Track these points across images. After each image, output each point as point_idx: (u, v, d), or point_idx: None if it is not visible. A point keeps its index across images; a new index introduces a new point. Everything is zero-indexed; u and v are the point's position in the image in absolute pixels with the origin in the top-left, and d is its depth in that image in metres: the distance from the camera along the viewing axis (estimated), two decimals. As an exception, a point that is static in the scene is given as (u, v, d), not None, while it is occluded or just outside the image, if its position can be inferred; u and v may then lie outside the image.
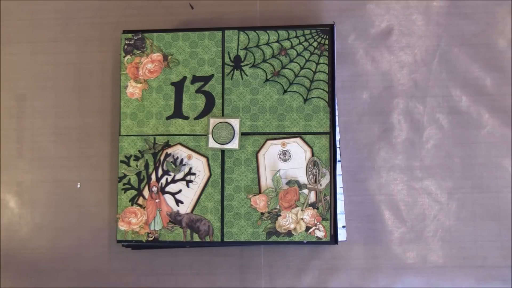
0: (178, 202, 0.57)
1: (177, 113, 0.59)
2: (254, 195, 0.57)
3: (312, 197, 0.57)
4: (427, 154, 0.62)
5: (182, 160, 0.58)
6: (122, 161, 0.58)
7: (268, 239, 0.56)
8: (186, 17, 0.64)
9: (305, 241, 0.56)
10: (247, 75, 0.58)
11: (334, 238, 0.56)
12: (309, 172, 0.57)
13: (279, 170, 0.57)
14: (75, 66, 0.64)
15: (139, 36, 0.60)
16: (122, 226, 0.57)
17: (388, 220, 0.61)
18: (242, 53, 0.59)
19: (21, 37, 0.65)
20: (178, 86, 0.59)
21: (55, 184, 0.62)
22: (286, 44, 0.58)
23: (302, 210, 0.56)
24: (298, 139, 0.57)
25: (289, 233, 0.56)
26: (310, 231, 0.56)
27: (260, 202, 0.57)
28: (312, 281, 0.61)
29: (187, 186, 0.58)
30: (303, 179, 0.57)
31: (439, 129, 0.62)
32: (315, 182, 0.57)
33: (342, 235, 0.58)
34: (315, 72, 0.58)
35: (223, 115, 0.58)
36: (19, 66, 0.64)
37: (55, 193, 0.61)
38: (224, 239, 0.57)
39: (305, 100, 0.58)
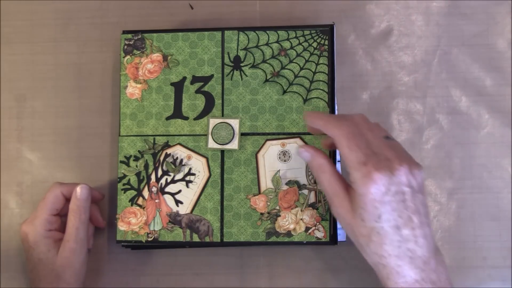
0: (177, 202, 0.58)
1: (177, 113, 0.59)
2: (254, 196, 0.57)
3: (312, 198, 0.57)
4: (427, 155, 0.62)
5: (181, 160, 0.58)
6: (122, 162, 0.58)
7: (268, 240, 0.56)
8: (186, 17, 0.64)
9: (304, 242, 0.56)
10: (246, 76, 0.58)
11: (333, 239, 0.56)
12: (309, 173, 0.57)
13: (279, 170, 0.57)
14: (75, 66, 0.64)
15: (139, 36, 0.60)
16: (122, 227, 0.57)
17: (388, 220, 0.61)
18: (241, 54, 0.59)
19: (21, 37, 0.65)
20: (178, 87, 0.59)
21: (55, 184, 0.62)
22: (286, 44, 0.58)
23: (301, 211, 0.56)
24: (298, 140, 0.58)
25: (288, 233, 0.56)
26: (309, 231, 0.56)
27: (259, 203, 0.57)
28: (312, 281, 0.61)
29: (187, 186, 0.58)
30: (302, 179, 0.57)
31: (439, 129, 0.62)
32: (315, 182, 0.57)
33: (341, 235, 0.58)
34: (314, 73, 0.58)
35: (222, 115, 0.58)
36: (19, 66, 0.64)
37: (55, 193, 0.60)
38: (223, 240, 0.57)
39: (305, 100, 0.58)
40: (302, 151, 0.52)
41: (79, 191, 0.56)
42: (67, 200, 0.57)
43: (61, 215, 0.57)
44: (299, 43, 0.58)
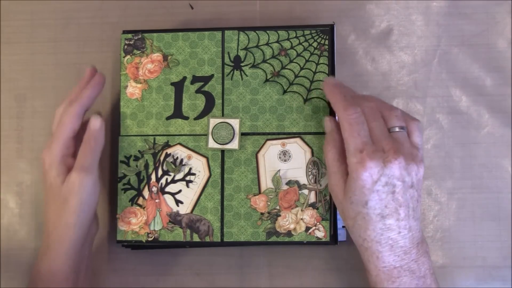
0: (178, 202, 0.57)
1: (177, 113, 0.59)
2: (254, 195, 0.57)
3: (312, 198, 0.57)
4: (427, 154, 0.62)
5: (182, 160, 0.58)
6: (122, 161, 0.58)
7: (268, 239, 0.56)
8: (186, 17, 0.64)
9: (305, 242, 0.56)
10: (247, 75, 0.58)
11: (334, 238, 0.56)
12: (309, 173, 0.57)
13: (279, 170, 0.57)
14: (75, 66, 0.64)
15: (139, 36, 0.60)
16: (122, 226, 0.57)
17: (388, 220, 0.61)
18: (242, 53, 0.59)
19: (21, 37, 0.65)
20: (178, 86, 0.59)
21: (55, 184, 0.62)
22: (286, 44, 0.58)
23: (302, 210, 0.56)
24: (298, 139, 0.57)
25: (289, 233, 0.56)
26: (310, 231, 0.56)
27: (260, 202, 0.57)
28: (312, 281, 0.61)
29: (187, 186, 0.58)
30: (303, 179, 0.57)
31: (439, 129, 0.62)
32: (315, 182, 0.57)
33: (342, 235, 0.58)
34: (315, 73, 0.58)
35: (223, 115, 0.58)
36: (19, 66, 0.64)
37: (55, 193, 0.60)
38: (224, 239, 0.57)
39: (305, 100, 0.58)
40: (327, 120, 0.54)
41: (93, 122, 0.55)
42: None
43: (78, 142, 0.56)
44: (299, 43, 0.58)
